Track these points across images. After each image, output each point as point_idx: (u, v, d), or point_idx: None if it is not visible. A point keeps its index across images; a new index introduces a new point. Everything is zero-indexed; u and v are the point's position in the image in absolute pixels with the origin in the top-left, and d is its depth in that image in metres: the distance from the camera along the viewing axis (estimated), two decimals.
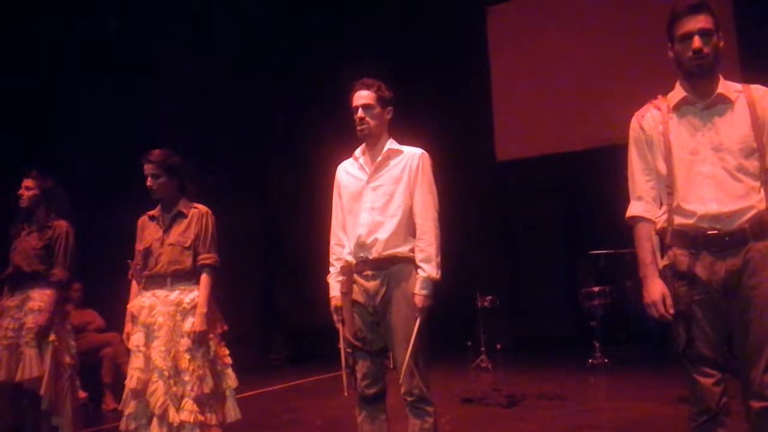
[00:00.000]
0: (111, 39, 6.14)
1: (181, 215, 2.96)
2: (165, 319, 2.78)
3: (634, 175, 2.09)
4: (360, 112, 2.48)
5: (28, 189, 3.53)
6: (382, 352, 2.48)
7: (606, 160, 4.45)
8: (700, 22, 1.92)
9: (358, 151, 2.60)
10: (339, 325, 2.49)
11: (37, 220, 3.53)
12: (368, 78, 2.53)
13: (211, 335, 2.85)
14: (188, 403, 2.69)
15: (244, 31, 7.34)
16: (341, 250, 2.56)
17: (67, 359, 3.43)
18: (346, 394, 2.47)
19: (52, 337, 3.35)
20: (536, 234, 8.08)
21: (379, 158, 2.52)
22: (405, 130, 2.70)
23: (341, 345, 2.48)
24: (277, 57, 7.72)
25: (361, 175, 2.55)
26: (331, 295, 2.56)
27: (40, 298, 3.38)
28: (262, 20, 7.47)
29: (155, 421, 2.67)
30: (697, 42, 1.92)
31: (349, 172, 2.61)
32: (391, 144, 2.54)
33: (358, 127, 2.50)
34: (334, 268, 2.57)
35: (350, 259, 2.49)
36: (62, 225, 3.52)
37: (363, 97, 2.49)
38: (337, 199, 2.63)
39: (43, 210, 3.54)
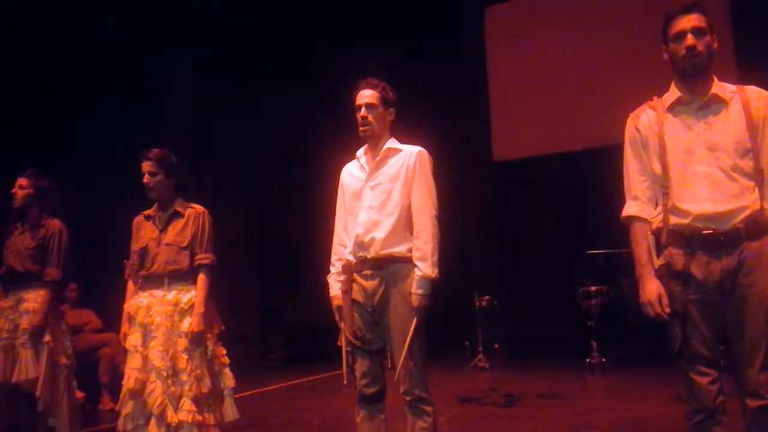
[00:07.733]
0: (111, 39, 6.13)
1: (178, 215, 2.95)
2: (162, 319, 2.78)
3: (630, 175, 2.10)
4: (363, 111, 2.48)
5: (22, 188, 3.47)
6: (381, 352, 2.48)
7: (603, 160, 4.46)
8: (693, 20, 1.95)
9: (360, 151, 2.61)
10: (341, 324, 2.49)
11: (29, 219, 3.48)
12: (373, 78, 2.52)
13: (209, 335, 2.85)
14: (186, 403, 2.69)
15: (244, 33, 7.34)
16: (343, 249, 2.56)
17: (63, 360, 3.40)
18: (345, 382, 2.47)
19: (47, 338, 3.31)
20: (533, 234, 8.09)
21: (378, 157, 2.52)
22: (402, 129, 2.70)
23: (342, 343, 2.48)
24: (276, 58, 7.72)
25: (361, 174, 2.55)
26: (331, 294, 2.56)
27: (34, 299, 3.34)
28: (262, 22, 7.47)
29: (153, 421, 2.67)
30: (690, 39, 1.94)
31: (351, 172, 2.61)
32: (390, 143, 2.54)
33: (361, 128, 2.49)
34: (335, 268, 2.57)
35: (351, 258, 2.49)
36: (55, 224, 3.47)
37: (367, 96, 2.48)
38: (340, 199, 2.63)
39: (37, 209, 3.48)
